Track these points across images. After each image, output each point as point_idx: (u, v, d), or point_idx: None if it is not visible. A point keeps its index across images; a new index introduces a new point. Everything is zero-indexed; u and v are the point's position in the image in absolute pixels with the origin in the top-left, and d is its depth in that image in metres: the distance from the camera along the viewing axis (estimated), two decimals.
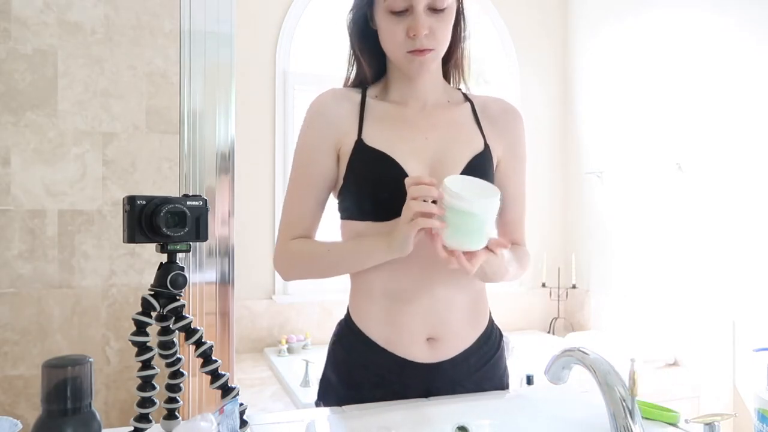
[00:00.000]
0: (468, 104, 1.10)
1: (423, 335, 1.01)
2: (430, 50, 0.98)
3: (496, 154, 1.07)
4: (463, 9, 1.05)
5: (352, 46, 1.08)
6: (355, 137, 1.01)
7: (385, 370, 1.01)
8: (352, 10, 1.06)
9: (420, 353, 1.01)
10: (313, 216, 1.06)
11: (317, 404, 1.09)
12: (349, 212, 1.03)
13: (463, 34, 1.08)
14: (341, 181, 1.03)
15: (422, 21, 0.95)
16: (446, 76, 1.12)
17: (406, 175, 0.97)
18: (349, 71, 1.10)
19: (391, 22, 0.97)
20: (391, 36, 0.99)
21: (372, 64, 1.07)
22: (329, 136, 1.03)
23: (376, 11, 1.00)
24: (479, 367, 1.05)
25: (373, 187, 0.99)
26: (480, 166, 1.02)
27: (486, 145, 1.04)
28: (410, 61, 0.99)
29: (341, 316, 1.10)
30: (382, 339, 1.01)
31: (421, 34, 0.95)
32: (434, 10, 0.96)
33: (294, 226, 1.05)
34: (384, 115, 1.05)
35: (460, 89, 1.13)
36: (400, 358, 1.00)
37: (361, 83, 1.09)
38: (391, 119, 1.04)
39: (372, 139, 1.01)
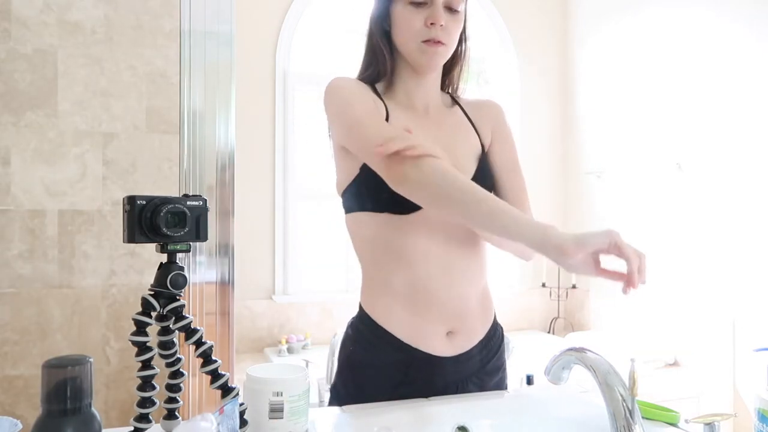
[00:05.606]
0: (458, 107, 1.14)
1: (444, 328, 1.02)
2: (443, 44, 1.02)
3: (486, 144, 1.12)
4: (466, 15, 1.08)
5: (377, 42, 1.07)
6: None
7: (411, 367, 1.01)
8: (376, 5, 1.08)
9: (441, 347, 1.02)
10: None
11: None
12: (364, 204, 1.02)
13: (464, 36, 1.10)
14: (356, 171, 1.01)
15: (441, 12, 1.00)
16: (445, 78, 1.14)
17: None
18: (366, 69, 1.10)
19: (409, 12, 1.01)
20: (407, 25, 1.01)
21: (389, 60, 1.07)
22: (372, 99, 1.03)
23: (394, 4, 1.03)
24: (489, 359, 1.08)
25: None
26: (485, 165, 1.08)
27: (482, 144, 1.10)
28: (423, 52, 1.02)
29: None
30: (406, 335, 1.01)
31: (439, 23, 0.99)
32: (450, 9, 1.01)
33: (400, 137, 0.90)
34: (396, 113, 1.06)
35: (449, 93, 1.16)
36: (424, 353, 1.01)
37: (370, 82, 1.09)
38: (402, 119, 1.05)
39: None
